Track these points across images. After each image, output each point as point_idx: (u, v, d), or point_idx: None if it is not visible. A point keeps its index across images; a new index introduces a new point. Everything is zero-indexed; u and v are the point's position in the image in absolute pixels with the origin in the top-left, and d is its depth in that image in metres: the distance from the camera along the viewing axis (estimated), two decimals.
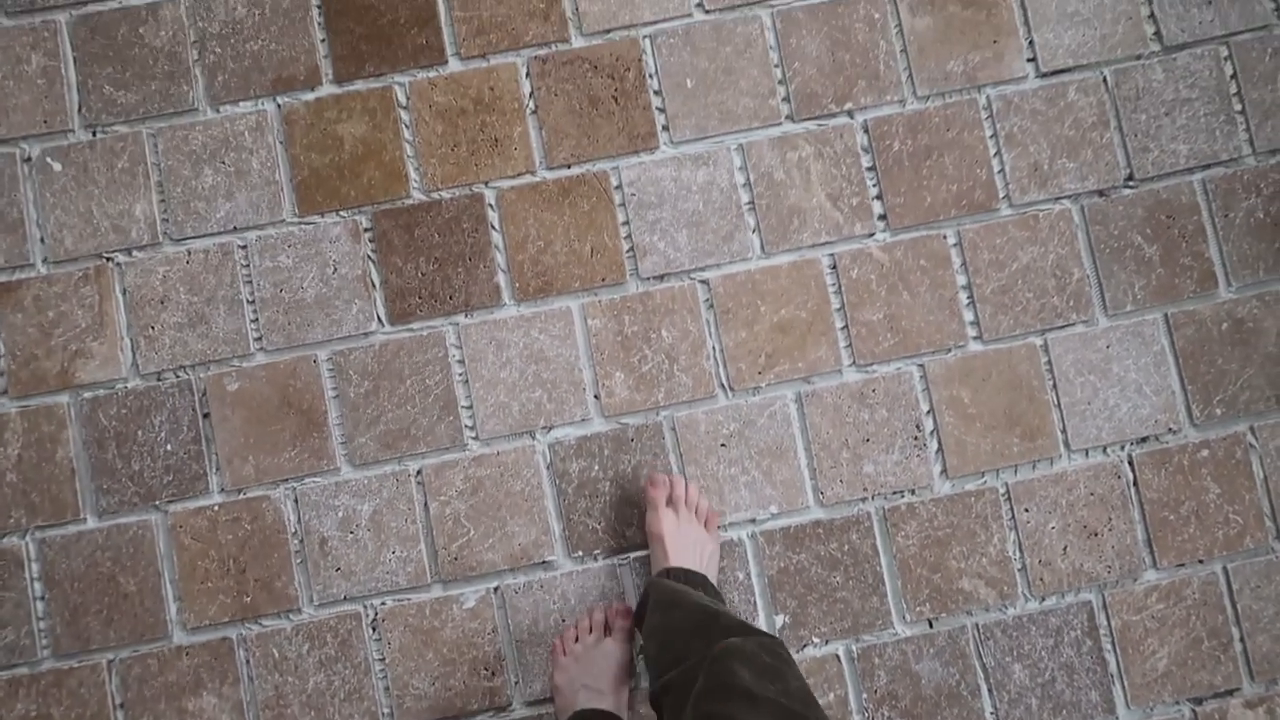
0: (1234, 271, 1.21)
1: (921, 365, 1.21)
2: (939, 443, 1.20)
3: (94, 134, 1.24)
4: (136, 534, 1.20)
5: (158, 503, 1.20)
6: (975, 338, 1.21)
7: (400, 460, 1.20)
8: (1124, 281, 1.21)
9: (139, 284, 1.22)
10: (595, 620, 1.16)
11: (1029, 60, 1.24)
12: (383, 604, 1.19)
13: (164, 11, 1.25)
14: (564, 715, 1.11)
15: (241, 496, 1.20)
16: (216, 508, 1.20)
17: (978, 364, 1.21)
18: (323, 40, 1.25)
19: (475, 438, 1.21)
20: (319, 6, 1.25)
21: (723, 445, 1.20)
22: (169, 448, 1.21)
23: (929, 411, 1.21)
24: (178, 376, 1.22)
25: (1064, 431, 1.20)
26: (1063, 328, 1.21)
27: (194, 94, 1.24)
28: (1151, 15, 1.23)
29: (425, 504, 1.20)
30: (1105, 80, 1.23)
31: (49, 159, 1.24)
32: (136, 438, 1.21)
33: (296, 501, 1.20)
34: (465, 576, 1.19)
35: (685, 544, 1.13)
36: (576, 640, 1.14)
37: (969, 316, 1.21)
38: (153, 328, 1.22)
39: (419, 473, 1.20)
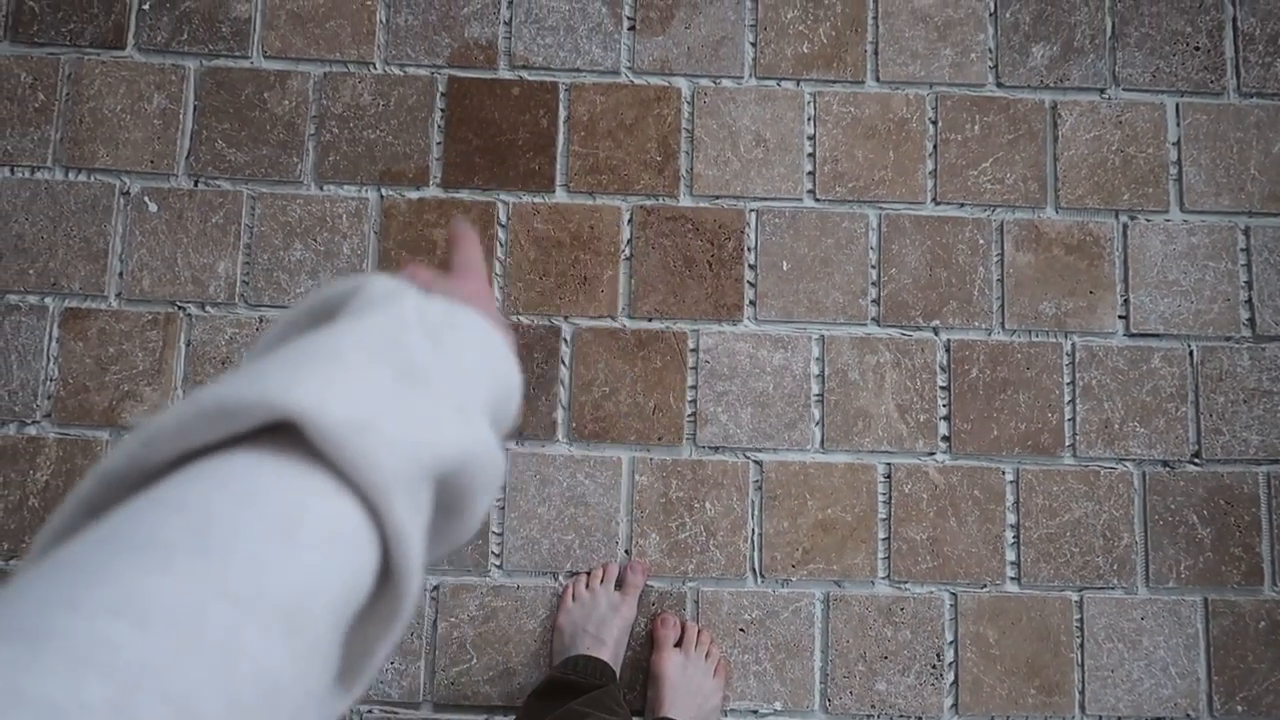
0: None
1: (954, 594, 1.20)
2: (956, 676, 1.19)
3: (196, 183, 1.25)
4: None
5: None
6: (1013, 579, 1.20)
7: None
8: (1171, 557, 1.20)
9: (204, 340, 1.22)
10: (609, 573, 1.18)
11: (1120, 318, 1.24)
12: (369, 712, 1.17)
13: (292, 82, 1.26)
14: (559, 657, 1.13)
15: None
16: None
17: (1010, 606, 1.20)
18: (439, 144, 1.26)
19: (499, 566, 1.20)
20: (443, 110, 1.26)
21: (741, 630, 1.19)
22: None
23: (952, 642, 1.19)
24: None
25: (1082, 693, 1.19)
26: (1101, 589, 1.20)
27: (302, 167, 1.25)
28: (1249, 301, 1.24)
29: (435, 621, 1.19)
30: (1191, 354, 1.23)
31: (146, 198, 1.24)
32: None
33: None
34: (458, 704, 1.17)
35: (686, 691, 1.12)
36: (587, 587, 1.17)
37: (1011, 557, 1.21)
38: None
39: (436, 588, 1.19)
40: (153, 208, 1.24)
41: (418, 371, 0.29)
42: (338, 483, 0.25)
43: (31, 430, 1.20)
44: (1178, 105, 1.27)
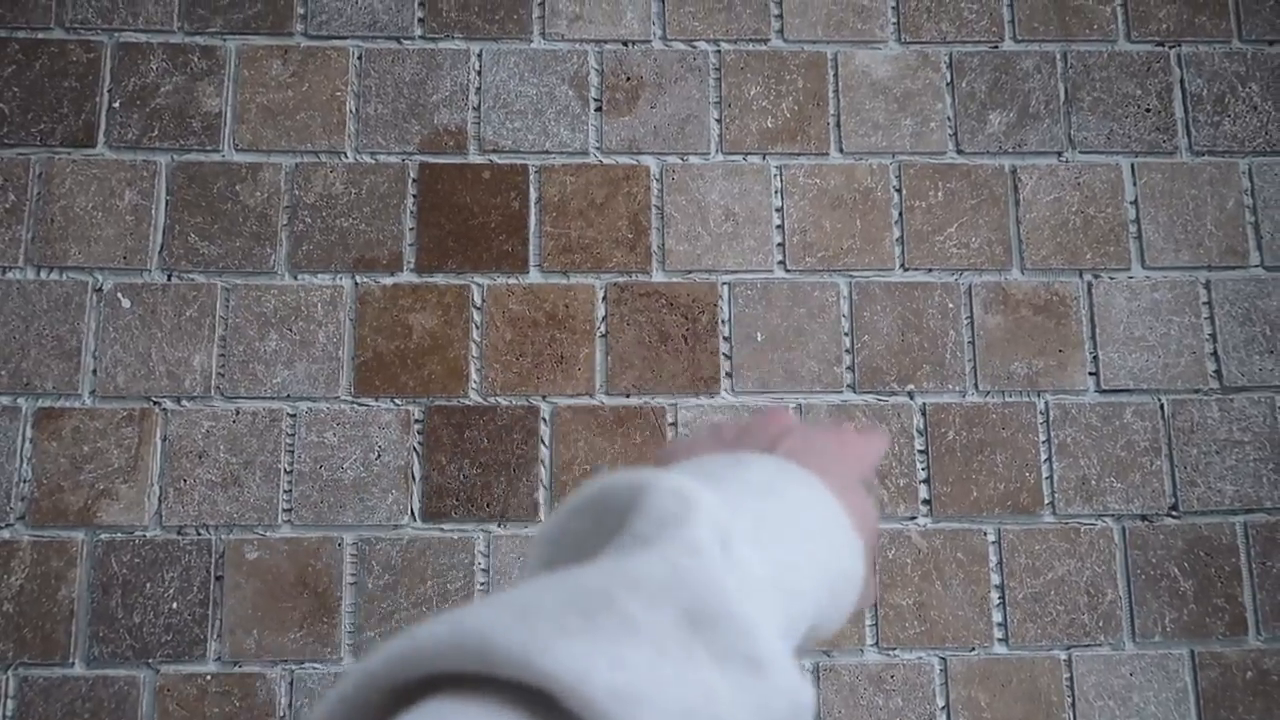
0: (1265, 622, 1.21)
1: (944, 659, 1.20)
2: None
3: (169, 278, 1.25)
4: (122, 689, 1.16)
5: (151, 660, 1.17)
6: (1001, 640, 1.21)
7: None
8: (1155, 611, 1.21)
9: (180, 434, 1.22)
10: None
11: (1091, 374, 1.26)
12: None
13: (264, 173, 1.27)
14: None
15: (237, 670, 1.17)
16: (209, 677, 1.17)
17: (1000, 668, 1.20)
18: (411, 229, 1.27)
19: None
20: (415, 196, 1.28)
21: None
22: (174, 605, 1.18)
23: (944, 708, 1.19)
24: (199, 535, 1.20)
25: None
26: (1089, 647, 1.20)
27: (275, 258, 1.26)
28: (1214, 354, 1.27)
29: None
30: (1162, 408, 1.25)
31: (120, 294, 1.24)
32: (144, 589, 1.18)
33: (292, 685, 1.17)
34: None
35: None
36: None
37: (997, 618, 1.21)
38: (185, 480, 1.21)
39: None
40: (126, 304, 1.24)
41: (705, 617, 0.27)
42: None
43: (5, 534, 1.18)
44: (1133, 165, 1.31)
